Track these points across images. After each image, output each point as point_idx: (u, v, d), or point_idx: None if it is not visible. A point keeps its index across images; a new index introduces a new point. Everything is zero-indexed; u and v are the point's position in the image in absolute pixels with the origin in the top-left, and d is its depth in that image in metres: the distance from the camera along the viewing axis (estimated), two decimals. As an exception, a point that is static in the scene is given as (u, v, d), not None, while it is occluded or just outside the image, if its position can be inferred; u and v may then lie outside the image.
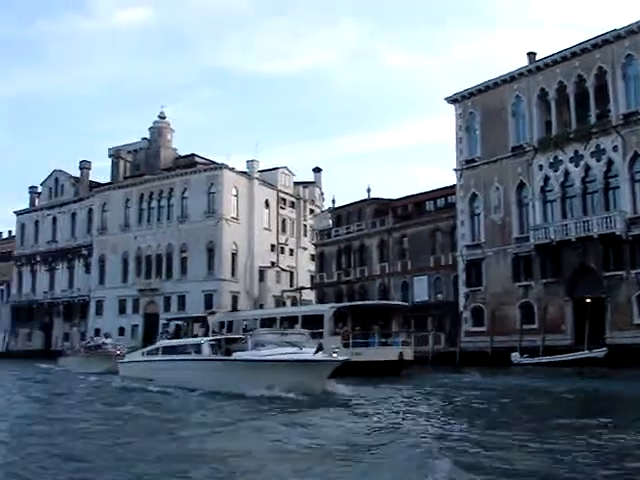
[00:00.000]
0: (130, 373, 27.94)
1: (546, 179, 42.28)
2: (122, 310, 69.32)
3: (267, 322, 39.07)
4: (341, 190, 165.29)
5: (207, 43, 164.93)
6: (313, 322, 34.25)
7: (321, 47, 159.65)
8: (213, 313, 49.78)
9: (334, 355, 20.60)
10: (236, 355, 21.46)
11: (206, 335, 45.47)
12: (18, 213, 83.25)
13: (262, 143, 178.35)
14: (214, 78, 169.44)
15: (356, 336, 33.72)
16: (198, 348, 24.03)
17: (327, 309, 36.98)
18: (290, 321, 36.60)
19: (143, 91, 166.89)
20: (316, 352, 19.57)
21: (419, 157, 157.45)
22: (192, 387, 21.63)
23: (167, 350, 26.53)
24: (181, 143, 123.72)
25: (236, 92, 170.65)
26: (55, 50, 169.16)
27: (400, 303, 42.99)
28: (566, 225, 40.08)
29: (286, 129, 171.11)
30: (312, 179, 79.11)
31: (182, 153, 77.28)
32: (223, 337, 26.31)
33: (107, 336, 50.83)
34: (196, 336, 49.31)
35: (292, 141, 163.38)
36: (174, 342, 30.20)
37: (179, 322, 48.56)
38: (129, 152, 78.64)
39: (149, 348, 29.79)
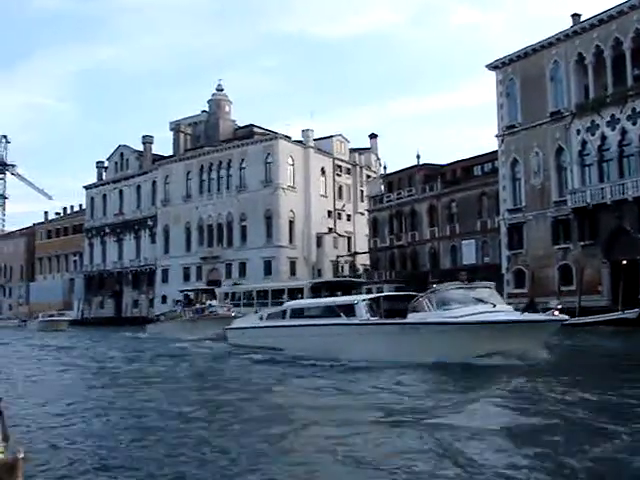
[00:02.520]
0: (244, 341, 25.54)
1: (584, 143, 44.68)
2: (186, 277, 74.98)
3: (261, 294, 48.37)
4: (395, 155, 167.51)
5: (269, 8, 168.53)
6: (296, 293, 44.31)
7: (389, 4, 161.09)
8: (219, 286, 59.64)
9: (556, 313, 17.96)
10: (414, 317, 18.82)
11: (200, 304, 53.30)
12: (87, 187, 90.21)
13: (320, 109, 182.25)
14: (275, 44, 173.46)
15: None
16: (350, 309, 20.93)
17: (306, 283, 47.77)
18: (279, 293, 46.57)
19: (205, 61, 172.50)
20: (524, 311, 18.38)
21: (473, 120, 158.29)
22: (343, 357, 19.25)
23: (298, 313, 23.82)
24: (241, 112, 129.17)
25: (296, 58, 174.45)
26: (120, 24, 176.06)
27: (358, 280, 55.16)
28: (602, 188, 42.55)
29: (344, 94, 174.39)
30: (368, 145, 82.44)
31: (241, 123, 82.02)
32: (381, 295, 23.18)
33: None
34: (203, 304, 56.78)
35: (349, 106, 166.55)
36: (308, 303, 27.41)
37: (190, 293, 55.33)
38: (189, 125, 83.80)
39: (271, 311, 27.08)
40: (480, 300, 18.74)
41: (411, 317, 18.89)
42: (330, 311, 22.12)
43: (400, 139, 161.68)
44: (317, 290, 44.58)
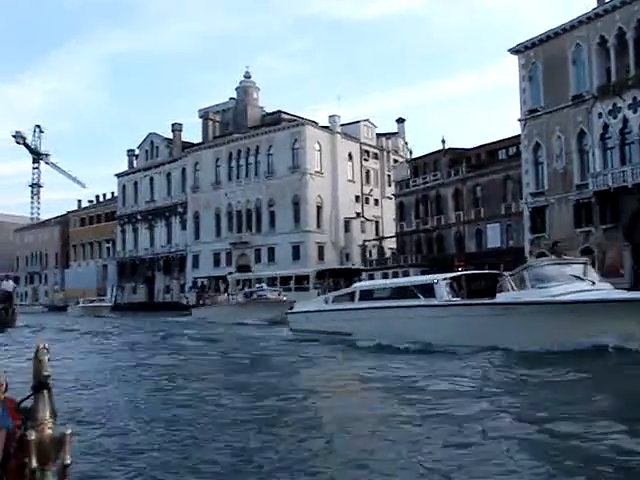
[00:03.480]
0: (308, 325, 24.33)
1: (605, 126, 45.46)
2: (217, 263, 77.13)
3: (270, 281, 51.14)
4: (422, 139, 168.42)
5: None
6: (303, 279, 49.27)
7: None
8: (231, 273, 63.55)
9: None
10: (506, 296, 17.51)
11: (226, 291, 56.29)
12: (119, 175, 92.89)
13: (347, 93, 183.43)
14: (304, 28, 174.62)
15: (329, 288, 44.36)
16: (429, 289, 19.64)
17: (312, 271, 52.37)
18: (287, 279, 50.14)
19: (233, 46, 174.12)
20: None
21: (500, 102, 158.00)
22: (422, 341, 18.31)
23: (367, 295, 22.51)
24: (269, 98, 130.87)
25: (324, 42, 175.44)
26: (150, 10, 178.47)
27: (360, 268, 60.77)
28: (624, 172, 43.40)
29: (371, 78, 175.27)
30: (395, 130, 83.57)
31: (269, 109, 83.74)
32: (463, 273, 21.75)
33: (261, 281, 48.24)
34: (218, 290, 59.95)
35: (376, 90, 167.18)
36: (379, 283, 26.29)
37: (204, 280, 57.96)
38: (217, 112, 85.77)
39: (337, 293, 26.10)
40: (577, 277, 17.43)
41: (502, 297, 17.56)
42: (405, 292, 20.74)
43: (427, 123, 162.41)
44: (322, 277, 48.20)
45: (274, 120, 78.36)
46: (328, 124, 74.83)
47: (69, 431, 1.80)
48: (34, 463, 1.74)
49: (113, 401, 11.15)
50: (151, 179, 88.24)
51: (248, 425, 8.60)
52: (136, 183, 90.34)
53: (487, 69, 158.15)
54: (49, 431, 1.84)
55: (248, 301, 42.07)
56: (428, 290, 19.68)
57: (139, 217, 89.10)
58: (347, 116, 77.84)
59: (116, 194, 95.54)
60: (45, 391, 1.90)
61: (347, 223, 73.11)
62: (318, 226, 71.31)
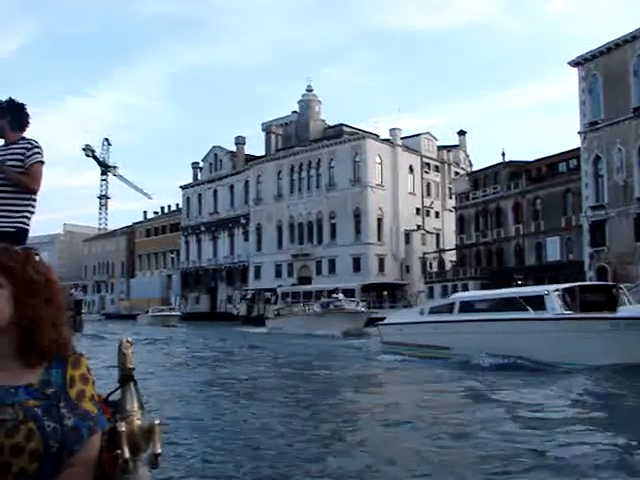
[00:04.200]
0: (402, 338, 23.29)
1: (666, 139, 45.70)
2: (278, 274, 79.14)
3: (317, 294, 54.26)
4: (483, 151, 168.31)
5: (363, 3, 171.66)
6: (349, 293, 50.01)
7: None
8: (280, 286, 65.64)
9: None
10: (631, 310, 16.98)
11: (276, 303, 58.44)
12: (183, 187, 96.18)
13: (408, 105, 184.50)
14: (367, 40, 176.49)
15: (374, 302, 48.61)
16: (538, 301, 18.54)
17: (357, 285, 54.87)
18: (333, 293, 50.11)
19: (298, 58, 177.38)
20: None
21: (564, 113, 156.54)
22: (529, 358, 17.44)
23: (468, 306, 21.56)
24: (331, 109, 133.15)
25: (387, 53, 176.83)
26: (215, 24, 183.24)
27: (401, 282, 63.39)
28: (685, 184, 43.60)
29: (431, 90, 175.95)
30: (456, 142, 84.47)
31: (331, 121, 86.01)
32: (576, 285, 20.33)
33: (337, 292, 47.43)
34: (268, 301, 61.33)
35: (437, 102, 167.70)
36: (482, 294, 24.66)
37: (254, 291, 59.60)
38: (280, 125, 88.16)
39: (434, 304, 25.62)
40: None
41: (625, 311, 16.82)
42: (511, 304, 19.62)
43: (487, 135, 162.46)
44: (366, 290, 50.23)
45: (336, 133, 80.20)
46: (389, 137, 76.29)
47: (158, 421, 1.89)
48: (127, 454, 1.83)
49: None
50: (215, 191, 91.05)
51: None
52: (200, 195, 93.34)
53: (550, 79, 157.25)
54: (138, 422, 1.92)
55: (325, 312, 41.08)
56: (538, 302, 18.48)
57: (203, 228, 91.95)
58: (408, 128, 79.15)
59: (181, 205, 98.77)
60: (131, 383, 2.00)
61: (408, 235, 74.22)
62: (379, 238, 72.67)
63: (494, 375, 16.06)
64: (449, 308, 22.07)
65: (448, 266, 69.47)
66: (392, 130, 76.47)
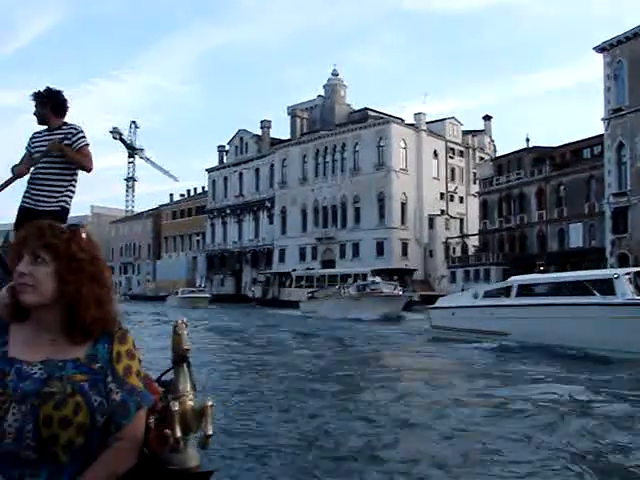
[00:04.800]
0: (454, 323, 22.91)
1: (690, 127, 46.06)
2: (302, 257, 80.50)
3: (331, 278, 55.99)
4: (508, 136, 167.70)
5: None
6: (361, 277, 51.35)
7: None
8: (294, 270, 67.71)
9: None
10: None
11: (290, 286, 60.31)
12: (209, 170, 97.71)
13: (433, 89, 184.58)
14: (395, 22, 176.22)
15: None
16: (606, 285, 17.77)
17: (369, 270, 54.90)
18: (346, 277, 53.72)
19: (323, 40, 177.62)
20: None
21: (587, 99, 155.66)
22: (596, 346, 16.46)
23: (527, 290, 20.83)
24: (357, 93, 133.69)
25: (415, 36, 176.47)
26: (242, 5, 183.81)
27: (410, 268, 63.56)
28: None
29: (458, 74, 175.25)
30: (481, 127, 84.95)
31: (356, 105, 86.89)
32: None
33: (375, 274, 47.26)
34: (283, 285, 63.22)
35: (463, 85, 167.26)
36: (542, 278, 23.94)
37: (269, 275, 60.49)
38: (305, 109, 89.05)
39: (489, 287, 24.79)
40: None
41: None
42: (576, 288, 18.87)
43: (512, 119, 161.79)
44: (377, 275, 49.81)
45: (361, 117, 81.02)
46: (414, 121, 76.98)
47: (210, 402, 1.91)
48: (178, 433, 1.87)
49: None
50: (240, 174, 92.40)
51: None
52: (226, 178, 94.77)
53: (579, 63, 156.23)
54: (190, 403, 1.95)
55: (361, 295, 40.46)
56: (605, 286, 17.68)
57: (228, 211, 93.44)
58: (433, 112, 79.84)
59: (206, 188, 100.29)
60: (185, 364, 2.01)
61: (431, 220, 75.01)
62: (402, 223, 73.57)
63: (555, 364, 15.30)
64: (505, 292, 21.38)
65: (471, 251, 70.21)
66: (417, 115, 77.15)
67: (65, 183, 5.18)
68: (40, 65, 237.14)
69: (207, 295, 69.12)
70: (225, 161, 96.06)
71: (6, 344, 1.91)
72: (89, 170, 5.14)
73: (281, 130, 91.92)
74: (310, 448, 7.64)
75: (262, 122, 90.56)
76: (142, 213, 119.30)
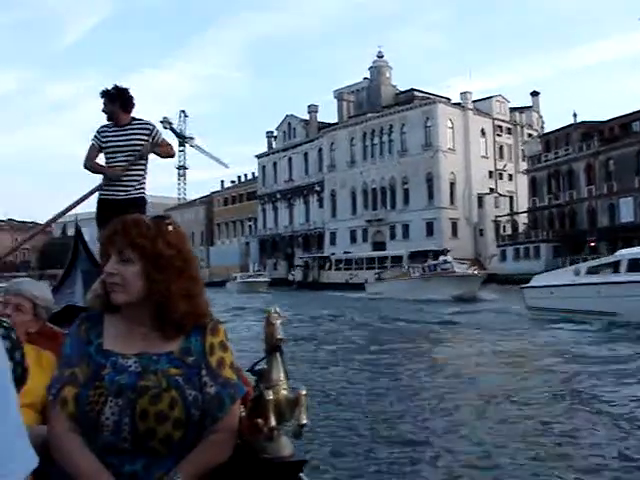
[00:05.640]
0: (553, 303, 21.36)
1: None
2: (353, 240, 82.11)
3: (368, 261, 58.25)
4: (557, 111, 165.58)
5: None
6: (397, 260, 54.23)
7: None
8: (333, 254, 70.39)
9: None
10: None
11: (330, 269, 62.33)
12: (259, 156, 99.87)
13: (481, 64, 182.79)
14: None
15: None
16: None
17: (404, 252, 57.03)
18: (383, 259, 56.05)
19: (368, 21, 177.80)
20: None
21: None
22: None
23: (638, 265, 18.78)
24: (404, 73, 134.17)
25: (462, 10, 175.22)
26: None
27: (444, 249, 57.55)
28: None
29: (506, 49, 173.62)
30: (529, 103, 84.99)
31: (403, 86, 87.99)
32: None
33: (445, 253, 45.92)
34: (322, 268, 64.87)
35: (511, 60, 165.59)
36: None
37: (308, 259, 61.94)
38: (352, 92, 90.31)
39: (592, 263, 22.75)
40: None
41: None
42: None
43: (562, 94, 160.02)
44: (413, 257, 51.95)
45: (407, 98, 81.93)
46: (460, 100, 77.60)
47: (304, 392, 1.91)
48: (273, 422, 1.87)
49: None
50: (289, 159, 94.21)
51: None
52: (275, 163, 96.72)
53: (629, 35, 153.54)
54: (284, 392, 1.95)
55: (432, 275, 39.41)
56: None
57: (279, 196, 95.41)
58: (480, 90, 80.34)
59: (256, 174, 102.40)
60: (277, 354, 2.00)
61: (480, 199, 75.74)
62: (451, 202, 74.50)
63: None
64: (614, 267, 19.85)
65: (522, 229, 70.65)
66: (463, 94, 77.80)
67: (141, 172, 5.41)
68: (92, 57, 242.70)
69: (267, 279, 69.24)
70: (274, 146, 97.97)
71: (101, 336, 1.95)
72: (173, 156, 5.61)
73: (328, 114, 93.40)
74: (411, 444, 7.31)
75: (309, 107, 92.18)
76: (194, 200, 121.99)
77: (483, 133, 78.54)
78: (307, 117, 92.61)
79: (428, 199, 75.26)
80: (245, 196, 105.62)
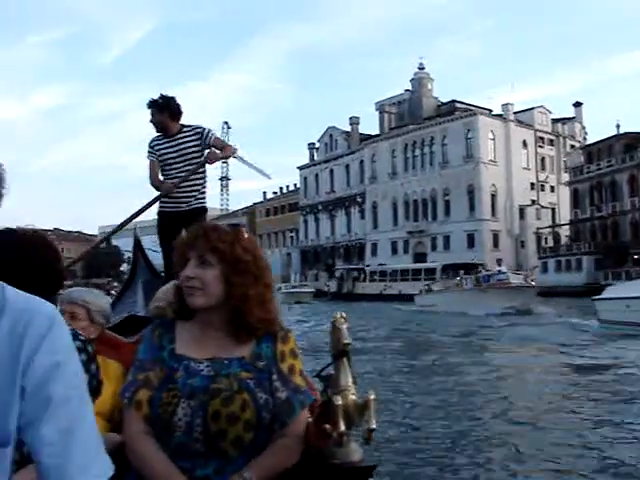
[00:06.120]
0: (632, 317, 19.37)
1: None
2: (394, 251, 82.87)
3: (402, 273, 58.07)
4: (601, 122, 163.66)
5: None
6: (430, 272, 54.42)
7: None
8: (368, 265, 71.09)
9: None
10: None
11: (364, 280, 62.45)
12: (300, 168, 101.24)
13: (523, 74, 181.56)
14: (484, 6, 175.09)
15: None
16: None
17: (438, 264, 56.73)
18: (417, 272, 55.81)
19: (409, 33, 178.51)
20: None
21: None
22: None
23: None
24: (445, 83, 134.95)
25: (505, 22, 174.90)
26: (332, 1, 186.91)
27: (478, 262, 57.17)
28: None
29: (548, 59, 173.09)
30: (572, 114, 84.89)
31: (444, 97, 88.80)
32: None
33: (500, 263, 43.68)
34: (357, 279, 64.75)
35: (552, 71, 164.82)
36: None
37: (342, 270, 63.47)
38: (393, 104, 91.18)
39: None
40: None
41: None
42: None
43: (605, 105, 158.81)
44: (445, 270, 52.29)
45: (448, 110, 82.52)
46: (501, 112, 77.95)
47: (373, 396, 1.89)
48: (342, 427, 1.86)
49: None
50: (331, 171, 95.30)
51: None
52: (317, 175, 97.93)
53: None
54: (352, 397, 1.94)
55: (487, 286, 37.55)
56: None
57: (320, 207, 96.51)
58: (522, 99, 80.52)
59: (298, 185, 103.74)
60: (344, 359, 1.99)
61: (522, 210, 75.87)
62: (493, 214, 74.78)
63: None
64: None
65: (564, 241, 70.49)
66: (504, 105, 78.18)
67: (201, 181, 5.45)
68: (137, 71, 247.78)
69: (312, 290, 68.54)
70: (316, 158, 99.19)
71: (174, 341, 2.03)
72: (232, 154, 5.41)
73: (370, 125, 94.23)
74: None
75: (351, 118, 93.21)
76: (237, 211, 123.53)
77: (525, 144, 78.73)
78: (349, 129, 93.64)
79: (469, 211, 75.66)
80: (287, 207, 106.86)
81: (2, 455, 1.11)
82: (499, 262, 44.21)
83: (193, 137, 5.28)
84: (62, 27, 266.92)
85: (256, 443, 1.93)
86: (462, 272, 47.54)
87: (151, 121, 5.31)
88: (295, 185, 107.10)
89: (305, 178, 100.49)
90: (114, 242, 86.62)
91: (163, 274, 5.28)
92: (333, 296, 67.08)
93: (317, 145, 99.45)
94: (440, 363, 15.81)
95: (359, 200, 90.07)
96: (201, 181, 5.44)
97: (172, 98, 5.30)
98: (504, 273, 38.65)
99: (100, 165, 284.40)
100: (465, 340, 21.76)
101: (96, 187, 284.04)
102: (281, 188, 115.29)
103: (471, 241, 74.36)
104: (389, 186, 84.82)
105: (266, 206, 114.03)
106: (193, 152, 5.27)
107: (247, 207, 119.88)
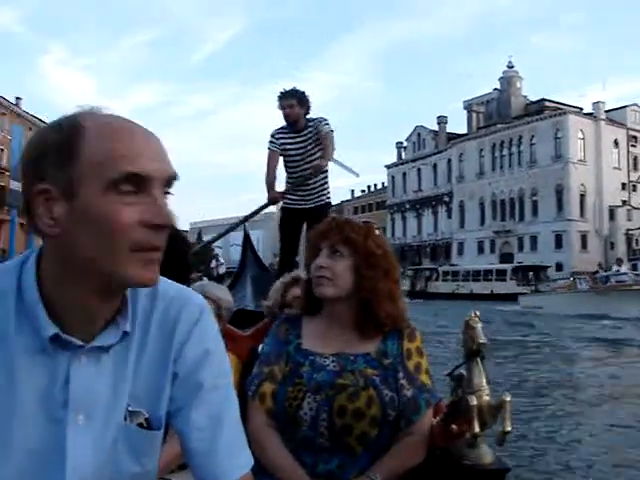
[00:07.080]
0: None
1: None
2: (480, 250, 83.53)
3: (474, 274, 58.86)
4: None
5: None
6: (501, 273, 55.80)
7: None
8: (441, 265, 71.77)
9: None
10: None
11: (437, 280, 63.12)
12: (388, 167, 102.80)
13: (616, 70, 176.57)
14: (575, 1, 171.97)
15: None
16: None
17: (509, 266, 58.05)
18: (488, 272, 57.12)
19: (500, 28, 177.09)
20: None
21: None
22: None
23: None
24: (536, 80, 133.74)
25: (596, 12, 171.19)
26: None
27: (545, 265, 58.73)
28: None
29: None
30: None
31: (533, 97, 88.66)
32: None
33: (620, 263, 37.97)
34: (429, 279, 65.60)
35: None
36: None
37: (416, 269, 68.05)
38: (481, 103, 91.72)
39: None
40: None
41: None
42: None
43: None
44: (516, 271, 53.70)
45: (537, 109, 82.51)
46: (592, 110, 77.43)
47: (508, 398, 1.84)
48: (476, 428, 1.85)
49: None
50: (418, 170, 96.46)
51: None
52: (404, 174, 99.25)
53: None
54: (486, 397, 1.93)
55: (605, 288, 33.53)
56: None
57: (407, 206, 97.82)
58: (615, 96, 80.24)
59: (386, 184, 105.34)
60: (478, 358, 1.98)
61: (612, 211, 75.28)
62: (581, 215, 74.51)
63: None
64: None
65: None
66: (595, 104, 77.70)
67: (325, 177, 5.51)
68: (225, 69, 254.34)
69: (404, 288, 69.96)
70: (403, 157, 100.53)
71: (300, 336, 2.08)
72: (332, 156, 5.30)
73: (457, 124, 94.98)
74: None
75: (439, 117, 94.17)
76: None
77: (616, 144, 77.99)
78: (436, 128, 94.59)
79: (557, 211, 75.57)
80: (374, 205, 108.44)
81: (156, 437, 1.16)
82: (619, 262, 38.88)
83: (313, 131, 5.32)
84: (152, 30, 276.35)
85: (381, 439, 1.97)
86: (531, 274, 48.45)
87: (286, 112, 5.27)
88: (383, 184, 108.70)
89: (393, 177, 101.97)
90: (205, 238, 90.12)
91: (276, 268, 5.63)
92: (406, 295, 68.61)
93: (405, 144, 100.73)
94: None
95: (446, 199, 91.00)
96: (325, 178, 5.54)
97: (304, 92, 5.32)
98: (625, 274, 34.07)
99: (195, 161, 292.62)
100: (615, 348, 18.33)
101: (185, 183, 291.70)
102: (369, 186, 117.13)
103: (559, 242, 74.29)
104: (476, 185, 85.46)
105: (354, 204, 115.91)
106: (313, 148, 5.35)
107: (336, 204, 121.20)
